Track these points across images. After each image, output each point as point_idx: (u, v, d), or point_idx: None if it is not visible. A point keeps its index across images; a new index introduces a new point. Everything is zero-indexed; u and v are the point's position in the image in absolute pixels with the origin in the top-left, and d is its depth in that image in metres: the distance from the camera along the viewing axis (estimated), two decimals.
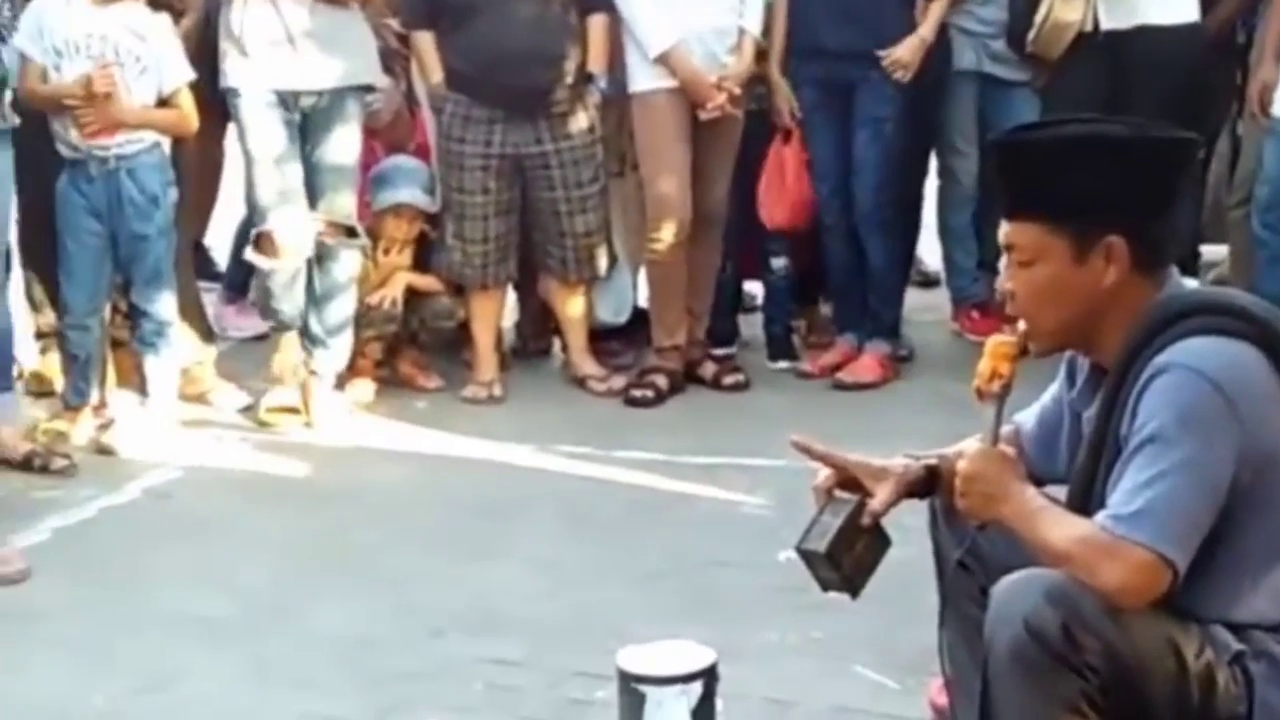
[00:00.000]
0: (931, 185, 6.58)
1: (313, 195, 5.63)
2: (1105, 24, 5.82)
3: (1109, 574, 2.62)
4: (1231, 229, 6.13)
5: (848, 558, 3.00)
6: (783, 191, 6.09)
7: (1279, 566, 2.72)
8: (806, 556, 3.03)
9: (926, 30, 5.90)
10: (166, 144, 5.46)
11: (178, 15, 5.63)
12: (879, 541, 3.05)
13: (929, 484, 3.06)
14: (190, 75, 5.45)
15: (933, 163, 6.49)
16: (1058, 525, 2.72)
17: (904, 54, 5.86)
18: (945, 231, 6.61)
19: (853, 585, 3.05)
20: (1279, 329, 2.74)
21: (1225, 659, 2.69)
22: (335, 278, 5.73)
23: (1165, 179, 2.81)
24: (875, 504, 3.02)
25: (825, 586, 3.07)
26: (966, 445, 2.91)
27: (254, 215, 5.66)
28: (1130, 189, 2.75)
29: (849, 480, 3.07)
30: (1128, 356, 2.74)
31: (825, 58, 5.93)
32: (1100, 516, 2.67)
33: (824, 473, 3.09)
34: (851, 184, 5.99)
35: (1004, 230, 2.84)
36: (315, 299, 5.72)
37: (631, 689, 3.20)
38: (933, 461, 3.07)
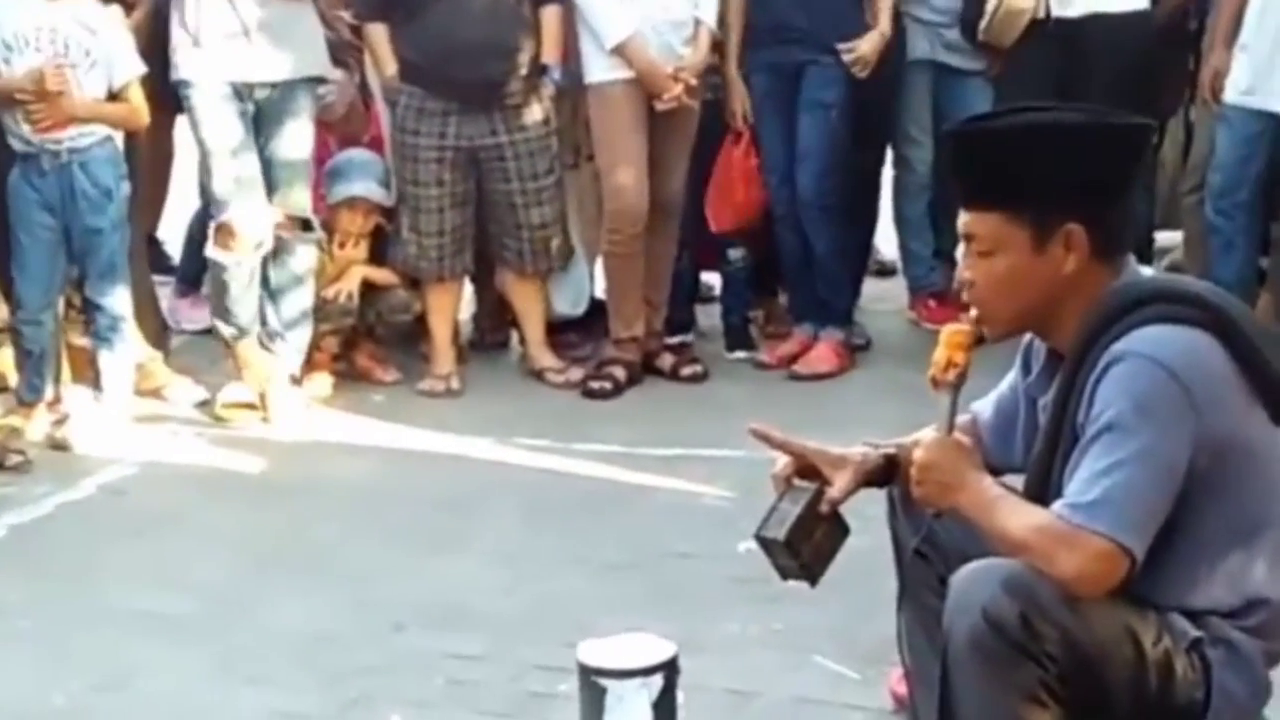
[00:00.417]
0: (887, 174, 6.59)
1: (267, 189, 5.60)
2: (1057, 11, 5.86)
3: (1067, 563, 2.63)
4: (1185, 215, 6.17)
5: (806, 546, 3.00)
6: (730, 195, 6.10)
7: (1235, 553, 2.74)
8: (765, 544, 3.03)
9: (885, 24, 5.92)
10: (119, 137, 5.44)
11: (128, 8, 5.61)
12: (838, 529, 3.05)
13: (888, 473, 3.07)
14: (141, 69, 5.42)
15: (888, 152, 6.51)
16: (1015, 514, 2.73)
17: (866, 49, 5.87)
18: (901, 221, 6.63)
19: (811, 573, 3.05)
20: (1233, 316, 2.76)
21: (1183, 646, 2.71)
22: (291, 271, 5.71)
23: (1123, 166, 2.82)
24: (834, 492, 3.02)
25: (784, 575, 3.07)
26: (924, 434, 2.91)
27: (212, 207, 5.63)
28: (1089, 176, 2.76)
29: (808, 468, 3.07)
30: (1084, 344, 2.75)
31: (776, 41, 5.94)
32: (1057, 505, 2.68)
33: (782, 461, 3.10)
34: (795, 171, 6.00)
35: (962, 220, 2.85)
36: (271, 293, 5.70)
37: (592, 682, 3.20)
38: (891, 450, 3.07)
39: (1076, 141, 2.78)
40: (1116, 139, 2.83)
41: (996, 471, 2.91)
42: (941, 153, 6.17)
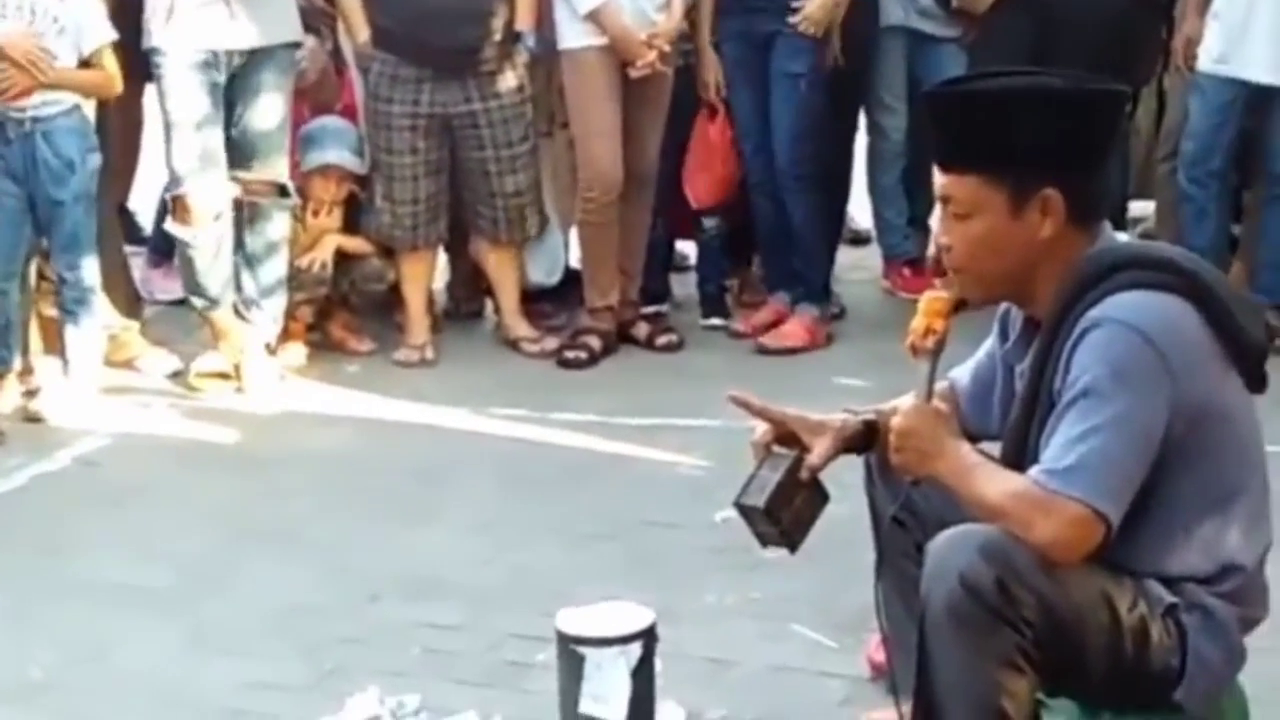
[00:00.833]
0: (861, 142, 6.59)
1: (245, 154, 5.57)
2: None
3: (1043, 529, 2.63)
4: (1158, 184, 6.18)
5: (786, 512, 3.00)
6: (707, 170, 6.09)
7: (1210, 519, 2.75)
8: (745, 511, 3.03)
9: None
10: (87, 107, 5.39)
11: None
12: (817, 496, 3.05)
13: (867, 439, 3.07)
14: (111, 35, 5.38)
15: (862, 119, 6.50)
16: (992, 481, 2.73)
17: (814, 10, 5.82)
18: (875, 189, 6.62)
19: (791, 540, 3.05)
20: (1209, 281, 2.76)
21: (1158, 611, 2.72)
22: (268, 238, 5.69)
23: (1101, 131, 2.82)
24: (813, 458, 3.02)
25: (764, 542, 3.07)
26: (903, 401, 2.91)
27: (169, 180, 5.59)
28: (1068, 142, 2.75)
29: (787, 435, 3.07)
30: (1060, 310, 2.75)
31: (744, 10, 5.92)
32: (1034, 471, 2.69)
33: (761, 428, 3.10)
34: (769, 140, 5.99)
35: (940, 182, 2.84)
36: (248, 259, 5.68)
37: (570, 651, 3.21)
38: (870, 417, 3.07)
39: (1056, 106, 2.77)
40: (1095, 104, 2.82)
41: (974, 439, 2.92)
42: (918, 117, 6.17)
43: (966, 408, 3.05)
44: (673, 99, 6.03)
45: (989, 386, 3.03)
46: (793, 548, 3.05)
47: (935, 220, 2.93)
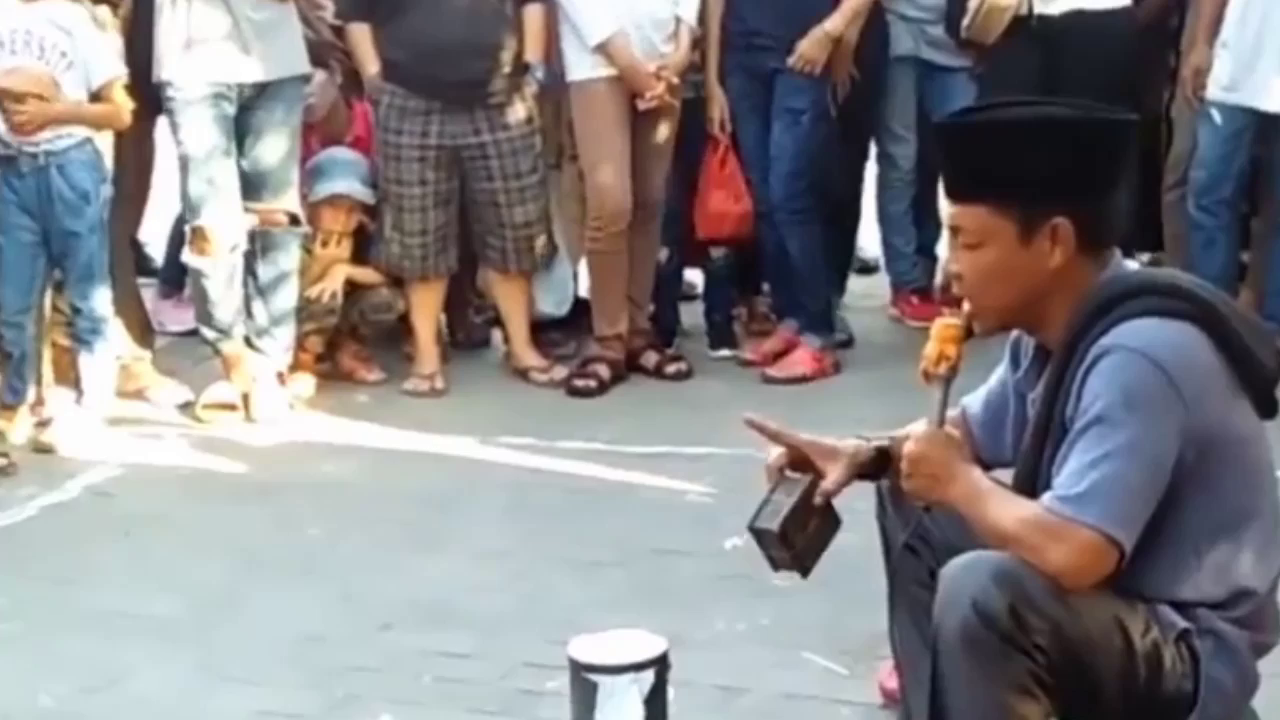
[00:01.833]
0: (870, 171, 6.61)
1: (255, 185, 5.60)
2: (1039, 9, 5.86)
3: (1056, 555, 2.64)
4: (1166, 212, 6.18)
5: (799, 537, 3.01)
6: (715, 202, 6.11)
7: (1222, 544, 2.75)
8: (759, 535, 3.03)
9: (831, 24, 5.84)
10: (100, 140, 5.41)
11: (114, 7, 5.59)
12: (830, 521, 3.06)
13: (880, 465, 3.08)
14: (120, 70, 5.41)
15: (872, 148, 6.52)
16: (1004, 507, 2.74)
17: (808, 49, 5.83)
18: (884, 217, 6.64)
19: (803, 564, 3.05)
20: (1219, 309, 2.77)
21: (1171, 637, 2.72)
22: (280, 267, 5.72)
23: (1110, 161, 2.83)
24: (828, 483, 3.03)
25: (776, 566, 3.07)
26: (915, 428, 2.92)
27: (186, 211, 5.63)
28: (1076, 171, 2.76)
29: (801, 460, 3.08)
30: (1072, 338, 2.76)
31: (749, 46, 5.94)
32: (1047, 498, 2.69)
33: (775, 452, 3.10)
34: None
35: (950, 212, 2.85)
36: (260, 289, 5.71)
37: (583, 679, 3.21)
38: (884, 443, 3.08)
39: (1064, 136, 2.79)
40: (1104, 135, 2.84)
41: (987, 466, 2.93)
42: (928, 147, 6.19)
43: (979, 435, 3.06)
44: (682, 130, 6.05)
45: (1001, 414, 3.03)
46: (804, 572, 3.06)
47: (944, 248, 2.94)
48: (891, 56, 6.26)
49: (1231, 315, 2.78)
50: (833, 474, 3.04)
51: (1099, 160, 2.80)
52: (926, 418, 2.90)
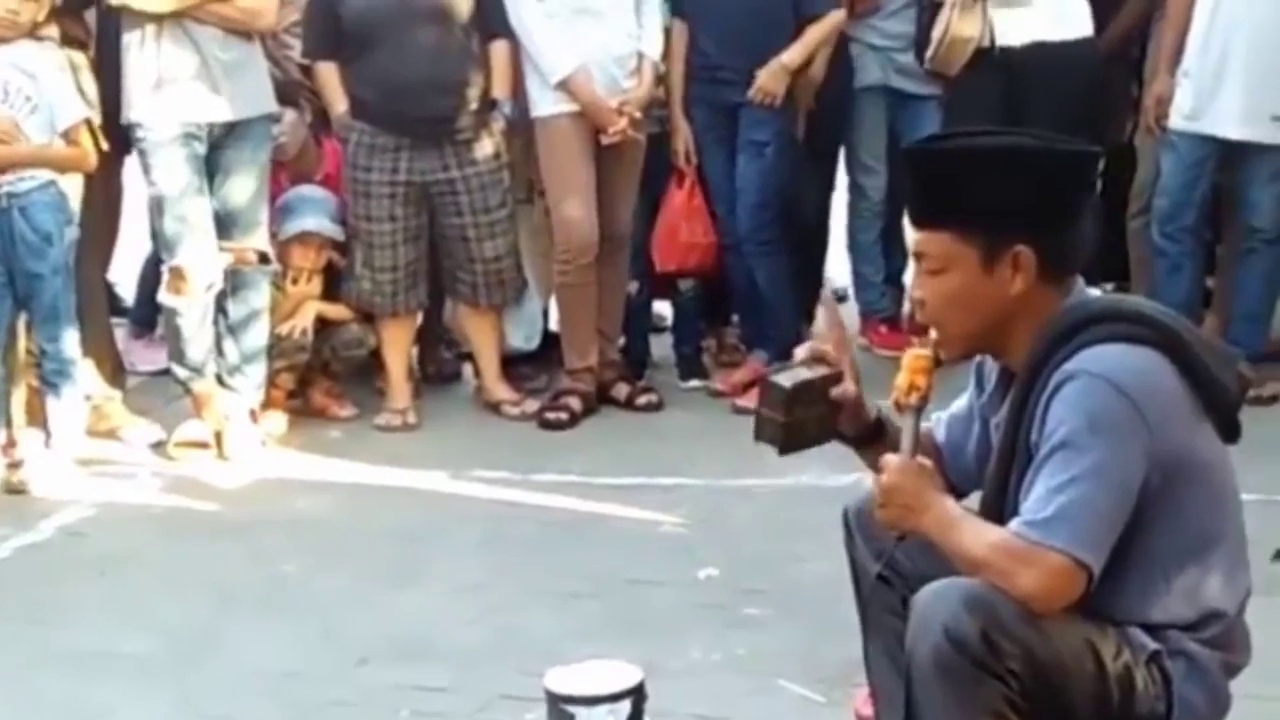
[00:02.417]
0: (841, 200, 6.64)
1: (225, 224, 5.62)
2: (1000, 40, 5.91)
3: (1025, 580, 2.67)
4: (1130, 239, 6.23)
5: (799, 410, 2.97)
6: (674, 237, 6.14)
7: (1190, 567, 2.78)
8: (768, 387, 2.99)
9: (788, 57, 5.88)
10: (64, 182, 5.41)
11: (84, 48, 5.60)
12: (830, 426, 3.04)
13: (870, 430, 3.08)
14: (86, 112, 5.42)
15: (843, 179, 6.55)
16: (974, 534, 2.77)
17: (766, 81, 5.88)
18: (854, 246, 6.68)
19: (786, 441, 3.00)
20: (1182, 334, 2.80)
21: (1143, 659, 2.75)
22: (251, 305, 5.73)
23: (1073, 192, 2.87)
24: (850, 387, 3.01)
25: (760, 432, 3.00)
26: (888, 459, 2.92)
27: (163, 251, 5.65)
28: (1040, 201, 2.80)
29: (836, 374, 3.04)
30: (1035, 364, 2.80)
31: (711, 79, 5.99)
32: (1014, 523, 2.72)
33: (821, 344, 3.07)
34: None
35: (914, 239, 2.88)
36: (231, 328, 5.71)
37: (560, 710, 3.23)
38: (879, 418, 3.08)
39: (1027, 165, 2.82)
40: (1067, 165, 2.88)
41: (953, 485, 2.95)
42: (897, 176, 6.22)
43: (946, 454, 3.08)
44: (647, 164, 6.09)
45: (964, 436, 3.07)
46: (782, 449, 2.99)
47: (910, 273, 2.96)
48: (860, 86, 6.30)
49: (1194, 341, 2.82)
50: (854, 390, 3.03)
51: (1062, 191, 2.84)
52: (900, 447, 2.92)
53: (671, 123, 6.11)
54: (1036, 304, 2.82)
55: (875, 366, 5.86)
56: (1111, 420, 2.68)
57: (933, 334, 2.90)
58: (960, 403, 3.12)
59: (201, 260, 5.56)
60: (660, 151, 6.13)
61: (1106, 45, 6.15)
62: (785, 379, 2.98)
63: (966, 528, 2.79)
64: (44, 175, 5.36)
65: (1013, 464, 2.82)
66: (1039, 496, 2.70)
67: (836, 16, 6.01)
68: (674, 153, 6.11)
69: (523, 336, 6.34)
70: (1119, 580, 2.73)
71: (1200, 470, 2.77)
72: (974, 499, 2.96)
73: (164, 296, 5.65)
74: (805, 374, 2.99)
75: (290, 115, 6.01)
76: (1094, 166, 2.97)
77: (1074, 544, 2.66)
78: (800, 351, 3.06)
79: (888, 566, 3.02)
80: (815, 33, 5.95)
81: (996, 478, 2.87)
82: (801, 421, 2.99)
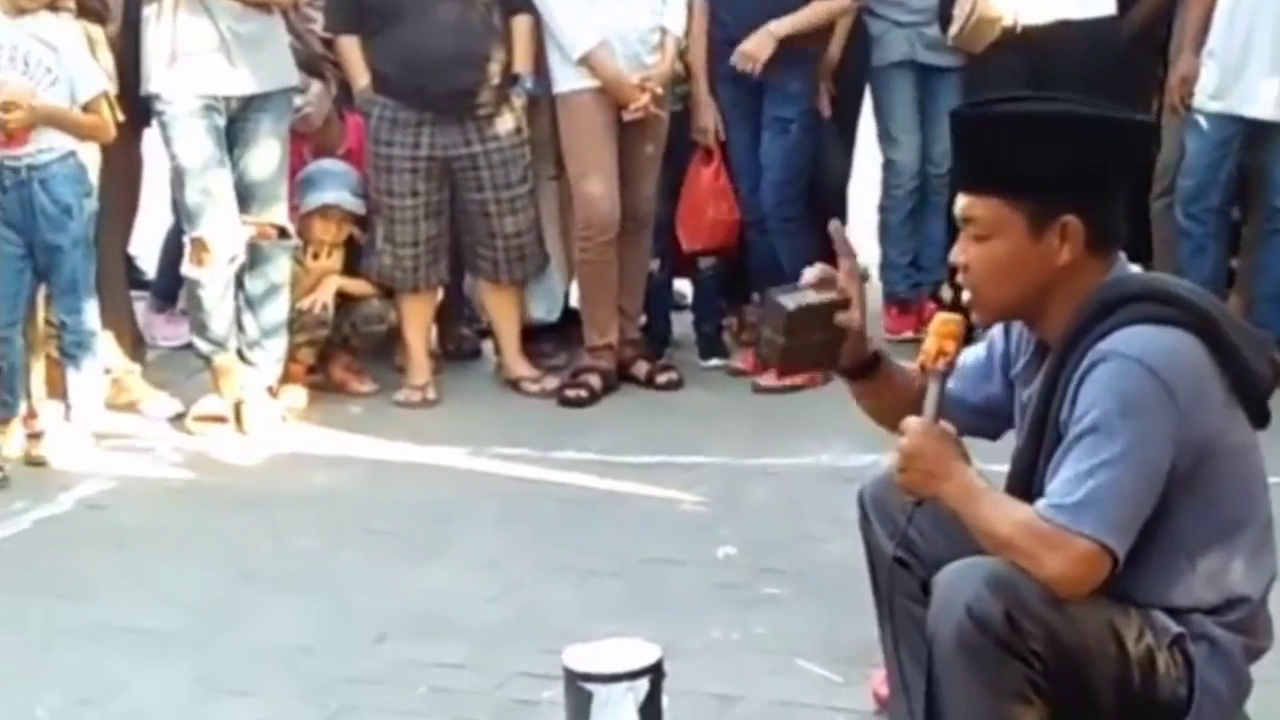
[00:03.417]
0: (865, 179, 6.60)
1: (245, 198, 5.61)
2: (1024, 19, 5.88)
3: (1052, 564, 2.65)
4: (1155, 220, 6.19)
5: (801, 334, 2.94)
6: (700, 215, 6.13)
7: (1215, 551, 2.76)
8: (770, 306, 2.96)
9: (776, 25, 5.87)
10: (84, 153, 5.40)
11: (101, 21, 5.59)
12: (833, 352, 3.00)
13: (869, 365, 3.06)
14: (105, 85, 5.41)
15: (875, 157, 6.51)
16: (999, 510, 2.74)
17: (750, 46, 5.88)
18: (883, 226, 6.62)
19: (785, 361, 2.97)
20: (1216, 318, 2.77)
21: (1165, 642, 2.73)
22: (270, 279, 5.73)
23: (1124, 161, 2.85)
24: (855, 314, 2.98)
25: (761, 351, 2.96)
26: (910, 422, 2.87)
27: (185, 223, 5.64)
28: (1091, 169, 2.77)
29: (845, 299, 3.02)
30: (1070, 339, 2.77)
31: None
32: (1042, 504, 2.70)
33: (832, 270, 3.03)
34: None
35: (961, 203, 2.85)
36: (250, 302, 5.71)
37: (578, 688, 3.21)
38: (877, 352, 3.07)
39: (1081, 133, 2.79)
40: (1120, 134, 2.85)
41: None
42: (927, 150, 6.20)
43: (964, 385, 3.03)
44: (669, 141, 6.07)
45: (972, 391, 3.03)
46: (782, 370, 2.96)
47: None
48: (888, 62, 6.28)
49: (1228, 324, 2.79)
50: (859, 318, 2.99)
51: (1114, 160, 2.81)
52: (923, 411, 2.88)
53: (697, 99, 6.09)
54: (1079, 276, 2.78)
55: (898, 347, 5.85)
56: (1143, 404, 2.66)
57: (965, 295, 2.86)
58: (973, 355, 3.06)
59: (224, 232, 5.55)
60: (682, 129, 6.10)
61: (1131, 25, 6.13)
62: (789, 300, 2.93)
63: (991, 502, 2.76)
64: (64, 147, 5.35)
65: (1042, 441, 2.79)
66: (1067, 479, 2.68)
67: None
68: (700, 130, 6.08)
69: (543, 308, 6.33)
70: (1143, 563, 2.71)
71: (1229, 455, 2.74)
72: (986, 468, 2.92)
73: (187, 268, 5.65)
74: (811, 297, 2.95)
75: (317, 86, 6.00)
76: (1147, 138, 2.91)
77: (1101, 530, 2.64)
78: (810, 274, 3.00)
79: (904, 548, 3.00)
80: (817, 7, 5.94)
81: (1025, 454, 2.85)
82: (803, 345, 2.96)
